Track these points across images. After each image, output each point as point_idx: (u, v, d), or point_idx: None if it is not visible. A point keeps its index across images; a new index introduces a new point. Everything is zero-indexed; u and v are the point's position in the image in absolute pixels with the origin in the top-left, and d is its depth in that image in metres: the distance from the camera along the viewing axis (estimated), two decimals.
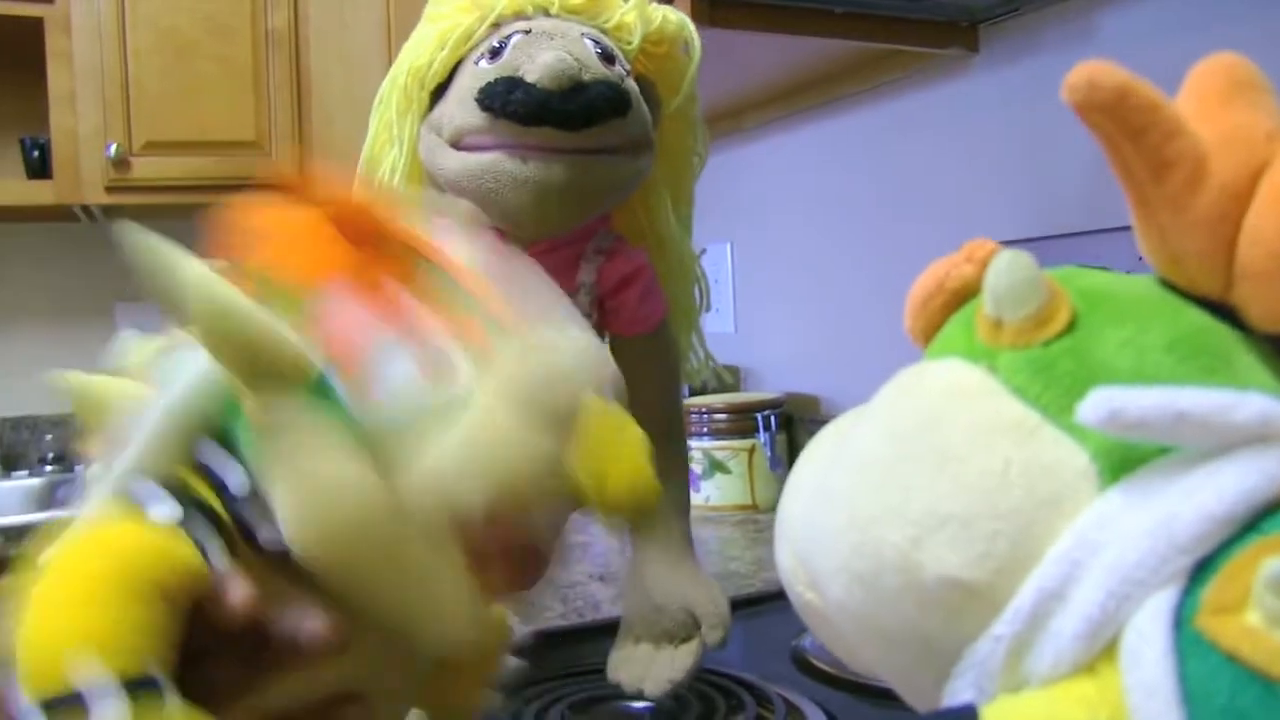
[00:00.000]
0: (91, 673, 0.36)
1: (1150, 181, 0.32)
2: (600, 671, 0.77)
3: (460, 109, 0.67)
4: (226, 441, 0.42)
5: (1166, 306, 0.33)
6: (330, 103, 2.14)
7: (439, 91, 0.71)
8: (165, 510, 0.41)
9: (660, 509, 0.76)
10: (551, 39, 0.67)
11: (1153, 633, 0.27)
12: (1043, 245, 1.04)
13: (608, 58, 0.68)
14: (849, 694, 0.81)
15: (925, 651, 0.32)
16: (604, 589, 1.12)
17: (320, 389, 0.40)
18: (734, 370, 1.73)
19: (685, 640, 0.73)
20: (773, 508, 1.43)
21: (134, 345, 0.48)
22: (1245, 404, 0.27)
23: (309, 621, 0.41)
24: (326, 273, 0.42)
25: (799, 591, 0.38)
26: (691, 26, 0.77)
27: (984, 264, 0.36)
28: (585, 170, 0.66)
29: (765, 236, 1.65)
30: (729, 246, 1.72)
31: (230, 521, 0.42)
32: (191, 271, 0.38)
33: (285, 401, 0.39)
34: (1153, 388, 0.28)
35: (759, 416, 1.46)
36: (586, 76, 0.65)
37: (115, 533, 0.41)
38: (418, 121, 0.73)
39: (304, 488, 0.39)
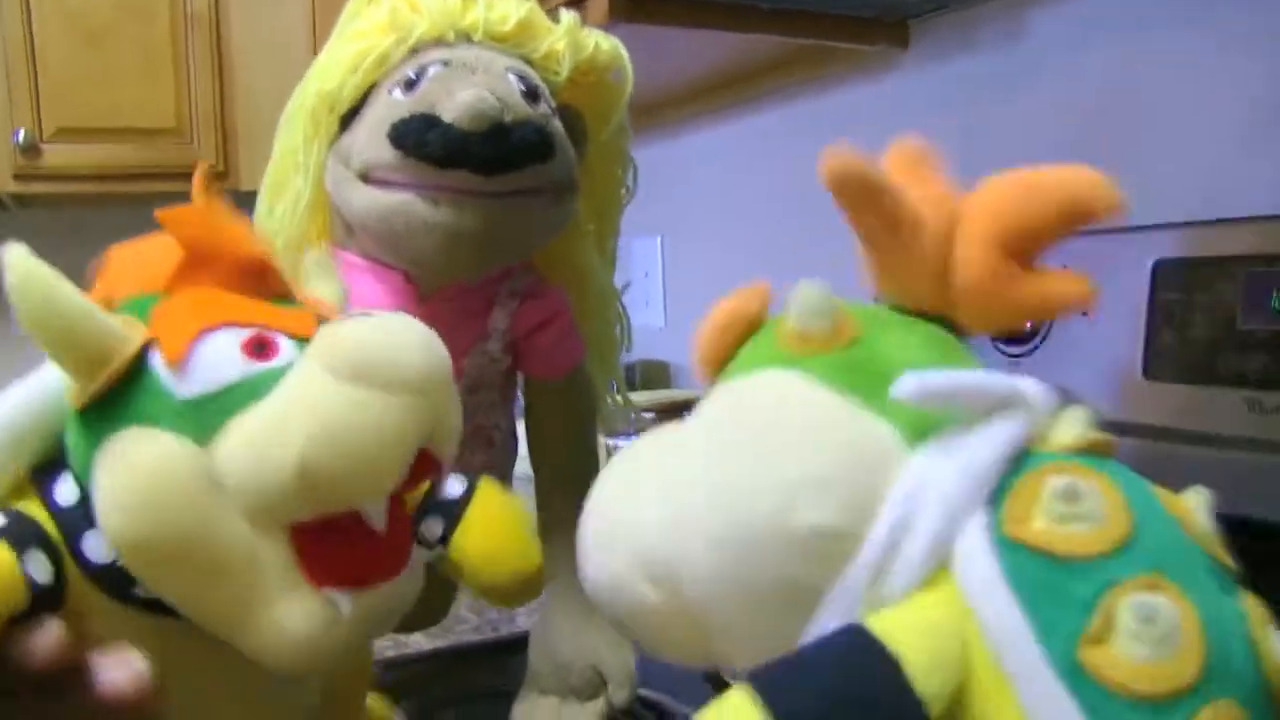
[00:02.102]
0: None
1: (888, 235, 0.44)
2: (510, 696, 0.75)
3: (371, 142, 0.63)
4: (62, 454, 0.42)
5: (909, 320, 0.44)
6: (254, 86, 2.08)
7: (349, 117, 0.67)
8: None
9: (569, 558, 0.72)
10: (473, 73, 0.63)
11: (976, 541, 0.36)
12: None
13: (532, 95, 0.65)
14: None
15: (794, 597, 0.38)
16: None
17: (136, 370, 0.40)
18: (663, 365, 1.70)
19: (591, 698, 0.71)
20: None
21: None
22: (995, 380, 0.39)
23: (114, 671, 0.40)
24: (165, 284, 0.44)
25: (637, 591, 0.42)
26: (624, 53, 0.73)
27: (765, 301, 0.46)
28: (501, 217, 0.62)
29: (695, 231, 1.63)
30: (659, 240, 1.70)
31: (58, 534, 0.41)
32: (14, 254, 0.38)
33: (97, 382, 0.40)
34: (939, 371, 0.38)
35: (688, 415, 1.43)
36: (508, 118, 0.61)
37: None
38: (325, 148, 0.68)
39: (116, 465, 0.39)
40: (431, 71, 0.63)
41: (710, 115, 1.56)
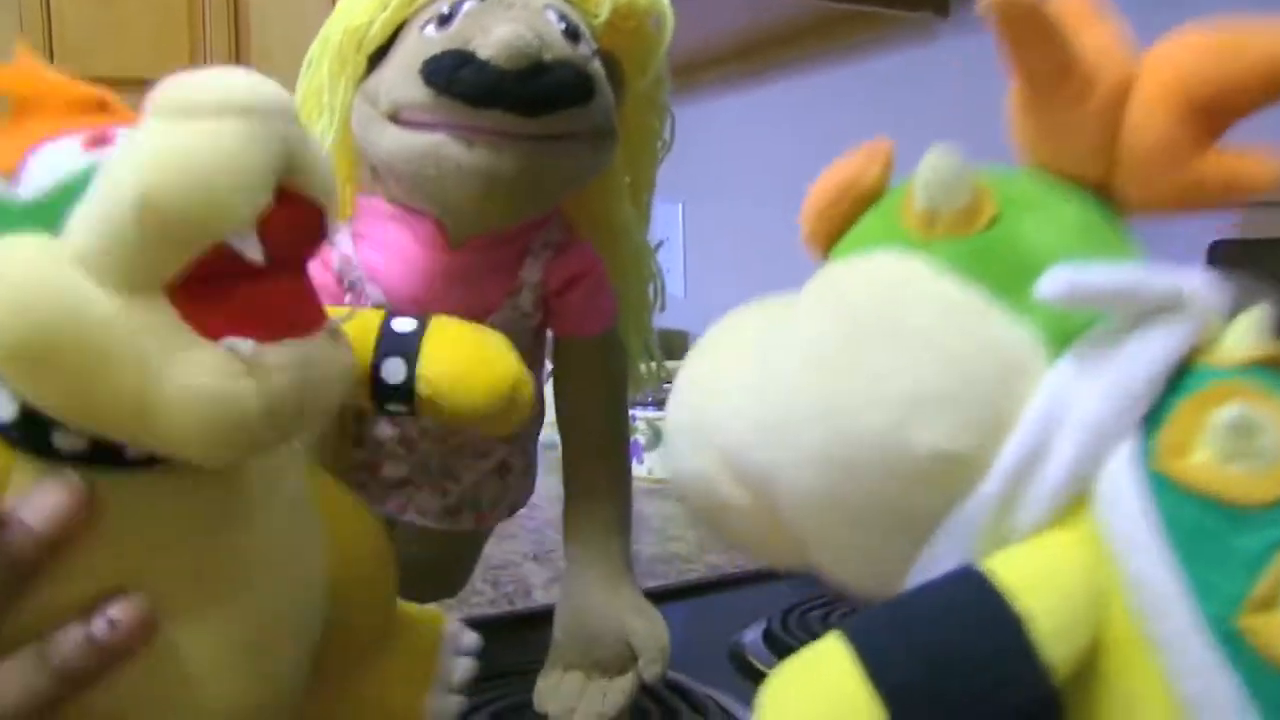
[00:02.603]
0: None
1: (1052, 82, 0.37)
2: (529, 674, 0.72)
3: (401, 80, 0.60)
4: None
5: (1059, 193, 0.38)
6: (269, 47, 2.05)
7: (377, 56, 0.63)
8: None
9: (599, 526, 0.71)
10: (509, 9, 0.59)
11: (1124, 475, 0.31)
12: None
13: (572, 34, 0.61)
14: None
15: (902, 525, 0.34)
16: (538, 570, 1.07)
17: None
18: (682, 335, 1.67)
19: (620, 673, 0.68)
20: None
21: None
22: (1158, 277, 0.33)
23: (39, 503, 0.38)
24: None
25: (725, 491, 0.39)
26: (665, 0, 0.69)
27: (887, 164, 0.41)
28: (538, 160, 0.59)
29: (718, 198, 1.60)
30: (680, 208, 1.67)
31: None
32: None
33: None
34: (1093, 266, 0.33)
35: None
36: (547, 57, 0.57)
37: None
38: (352, 89, 0.65)
39: None
40: (466, 7, 0.60)
41: (739, 80, 1.53)
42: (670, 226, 1.66)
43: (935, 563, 0.34)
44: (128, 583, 0.40)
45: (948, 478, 0.33)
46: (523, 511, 0.79)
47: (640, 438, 1.42)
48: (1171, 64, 0.37)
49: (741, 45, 1.42)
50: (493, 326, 0.66)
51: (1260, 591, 0.29)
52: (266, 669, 0.46)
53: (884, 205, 0.40)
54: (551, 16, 0.61)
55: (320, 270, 0.65)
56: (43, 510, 0.38)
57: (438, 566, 0.82)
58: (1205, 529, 0.30)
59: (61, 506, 0.38)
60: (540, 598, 0.99)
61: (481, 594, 0.99)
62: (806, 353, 0.37)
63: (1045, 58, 0.37)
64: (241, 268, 0.38)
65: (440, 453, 0.70)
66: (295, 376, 0.39)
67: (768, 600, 0.95)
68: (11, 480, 0.39)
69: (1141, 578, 0.30)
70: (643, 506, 1.32)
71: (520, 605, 0.97)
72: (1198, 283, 0.34)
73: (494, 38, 0.56)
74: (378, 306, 0.64)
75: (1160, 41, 0.38)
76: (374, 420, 0.69)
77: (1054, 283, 0.32)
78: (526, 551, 1.12)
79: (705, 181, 1.59)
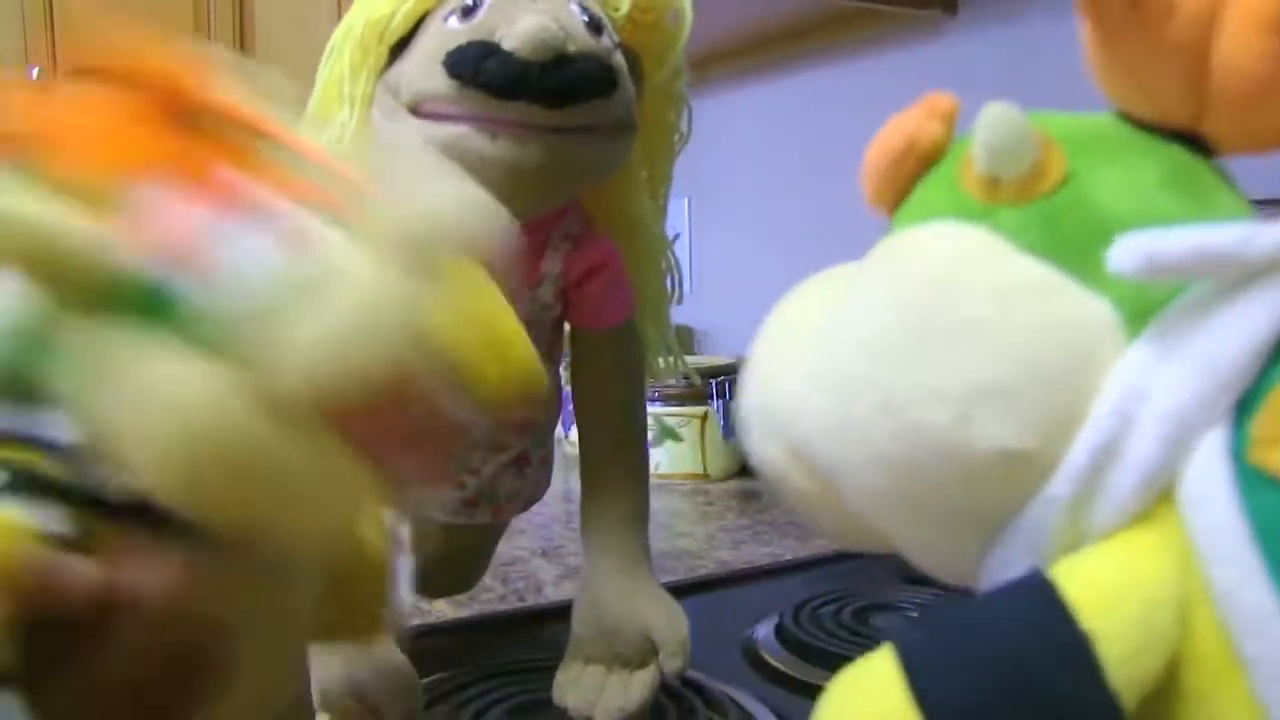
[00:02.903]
0: None
1: (1126, 11, 0.33)
2: (542, 670, 0.72)
3: (423, 71, 0.60)
4: (35, 396, 0.35)
5: (1145, 144, 0.34)
6: (272, 38, 2.05)
7: (398, 47, 0.64)
8: None
9: (617, 519, 0.71)
10: (534, 1, 0.60)
11: (1211, 472, 0.27)
12: None
13: (595, 27, 0.61)
14: (803, 696, 0.77)
15: (969, 524, 0.32)
16: (547, 566, 1.07)
17: (146, 290, 0.33)
18: (688, 331, 1.67)
19: (640, 666, 0.67)
20: (726, 477, 1.41)
21: None
22: (1261, 235, 0.28)
23: (149, 573, 0.35)
24: (138, 161, 0.34)
25: (794, 482, 0.37)
26: None
27: (949, 120, 0.37)
28: (561, 152, 0.59)
29: (726, 194, 1.60)
30: (686, 202, 1.67)
31: (64, 478, 0.35)
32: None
33: (103, 311, 0.33)
34: (1175, 229, 0.28)
35: (713, 383, 1.41)
36: (571, 49, 0.57)
37: None
38: (373, 80, 0.65)
39: (138, 406, 0.33)
40: None
41: (747, 76, 1.53)
42: (677, 221, 1.66)
43: (1006, 565, 0.31)
44: None
45: (1015, 476, 0.31)
46: (531, 507, 0.79)
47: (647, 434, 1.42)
48: None
49: (749, 41, 1.42)
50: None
51: None
52: None
53: (945, 167, 0.36)
54: (575, 9, 0.61)
55: None
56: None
57: (453, 560, 0.82)
58: None
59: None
60: (550, 594, 0.98)
61: (491, 590, 0.98)
62: (863, 343, 0.34)
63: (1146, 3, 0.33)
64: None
65: (459, 446, 0.70)
66: None
67: (779, 595, 0.95)
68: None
69: (1231, 590, 0.27)
70: (650, 502, 1.32)
71: (531, 601, 0.97)
72: None
73: (519, 29, 0.56)
74: None
75: None
76: None
77: (1128, 252, 0.29)
78: (535, 548, 1.12)
79: (713, 177, 1.59)
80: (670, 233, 0.78)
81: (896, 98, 1.28)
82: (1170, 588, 0.28)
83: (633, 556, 0.70)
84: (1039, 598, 0.28)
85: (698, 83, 1.56)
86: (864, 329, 0.34)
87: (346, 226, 0.36)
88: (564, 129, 0.59)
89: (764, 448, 0.38)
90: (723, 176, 1.59)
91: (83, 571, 0.35)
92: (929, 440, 0.31)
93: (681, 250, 1.65)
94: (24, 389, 0.36)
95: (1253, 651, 0.26)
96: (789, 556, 1.09)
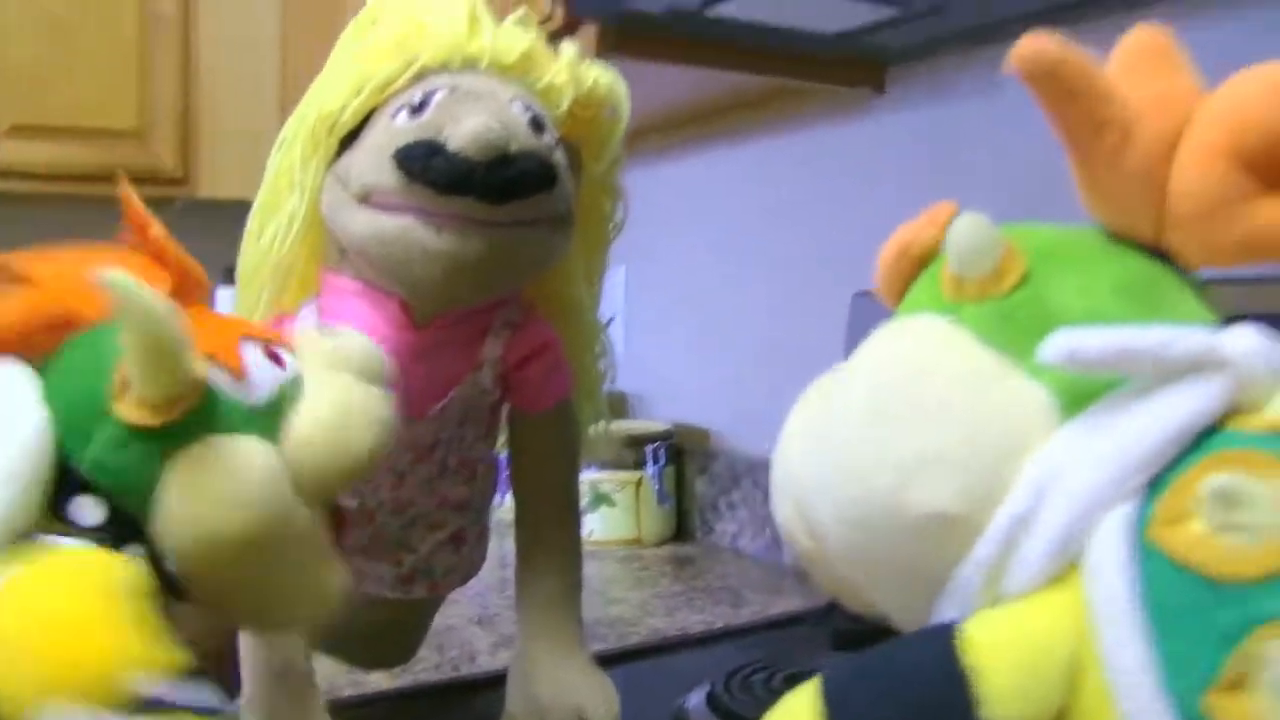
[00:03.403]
0: (156, 678, 0.38)
1: (1088, 140, 0.36)
2: None
3: (372, 165, 0.62)
4: (66, 479, 0.44)
5: (1111, 254, 0.37)
6: (218, 92, 2.04)
7: (348, 139, 0.66)
8: (73, 542, 0.42)
9: (551, 595, 0.73)
10: (479, 100, 0.62)
11: (1111, 544, 0.30)
12: None
13: (537, 125, 0.64)
14: None
15: (916, 582, 0.35)
16: (482, 635, 1.08)
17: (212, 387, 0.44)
18: (621, 396, 1.70)
19: None
20: (660, 543, 1.43)
21: None
22: (1184, 338, 0.31)
23: None
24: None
25: (799, 540, 0.41)
26: (622, 88, 0.73)
27: (945, 226, 0.39)
28: (502, 245, 0.62)
29: (661, 262, 1.63)
30: (623, 269, 1.70)
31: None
32: (119, 279, 0.41)
33: (189, 401, 0.43)
34: (1104, 328, 0.32)
35: (647, 449, 1.43)
36: (514, 148, 0.60)
37: (76, 559, 0.42)
38: (323, 170, 0.67)
39: (217, 469, 0.43)
40: (437, 98, 0.63)
41: (681, 148, 1.56)
42: (613, 289, 1.68)
43: (945, 619, 0.34)
44: None
45: (947, 539, 0.34)
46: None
47: (580, 499, 1.43)
48: (1223, 110, 0.35)
49: (684, 115, 1.45)
50: (454, 401, 0.69)
51: (1230, 670, 0.28)
52: None
53: (934, 268, 0.40)
54: (518, 107, 0.64)
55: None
56: None
57: (390, 634, 0.83)
58: (1186, 602, 0.29)
59: None
60: (485, 663, 0.99)
61: (426, 659, 0.98)
62: (839, 417, 0.38)
63: (1076, 113, 0.36)
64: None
65: (397, 523, 0.72)
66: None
67: (711, 663, 0.97)
68: None
69: (1112, 649, 0.30)
70: (584, 568, 1.33)
71: (465, 671, 0.97)
72: (1248, 342, 0.32)
73: (464, 128, 0.59)
74: None
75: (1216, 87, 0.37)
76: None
77: (1054, 346, 0.32)
78: (470, 616, 1.13)
79: (648, 246, 1.62)
80: (605, 300, 0.81)
81: (826, 172, 1.33)
82: (1060, 642, 0.31)
83: (565, 633, 0.72)
84: (941, 639, 0.32)
85: (634, 154, 1.60)
86: (841, 406, 0.38)
87: (293, 353, 0.50)
88: (505, 223, 0.61)
89: (779, 506, 0.42)
90: (658, 245, 1.62)
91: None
92: (878, 502, 0.35)
93: (617, 317, 1.68)
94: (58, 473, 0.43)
95: (1126, 708, 0.29)
96: (721, 624, 1.11)
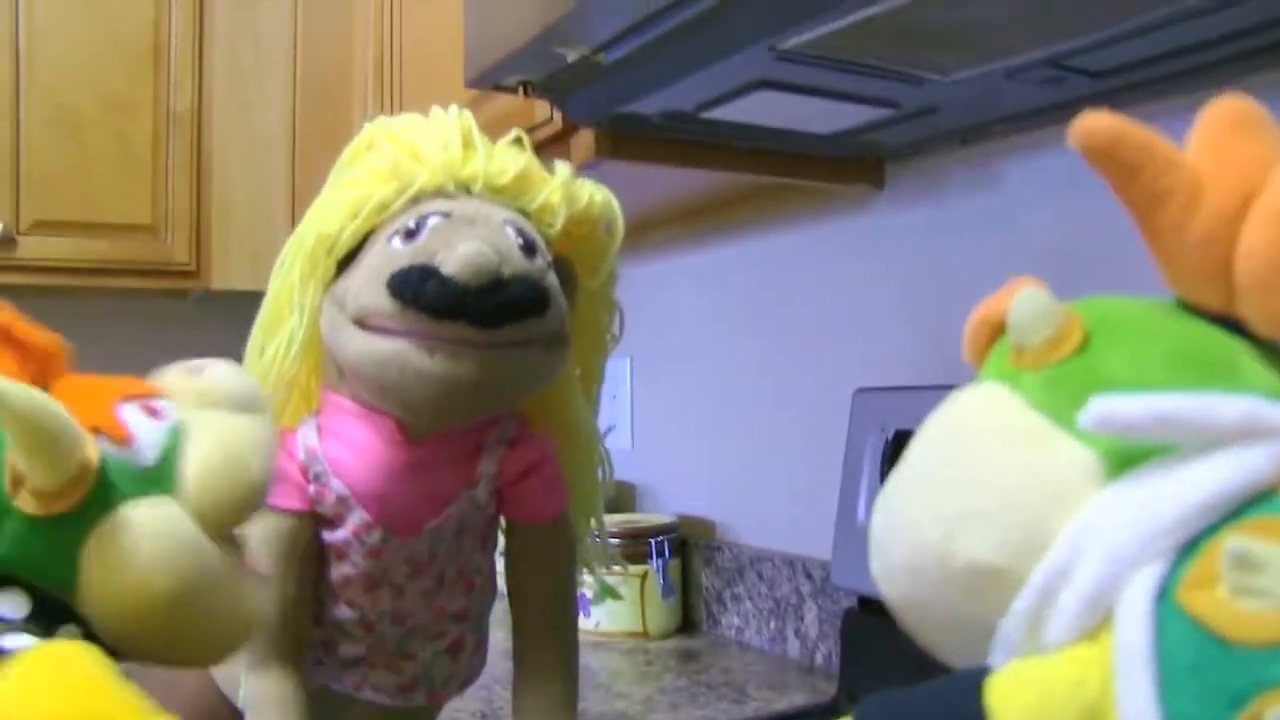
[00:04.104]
0: None
1: (1151, 211, 0.37)
2: None
3: (368, 288, 0.64)
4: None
5: (1172, 323, 0.38)
6: (229, 189, 2.10)
7: (345, 261, 0.68)
8: (26, 640, 0.43)
9: (546, 704, 0.73)
10: (472, 225, 0.64)
11: (1136, 602, 0.31)
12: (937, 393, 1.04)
13: (529, 249, 0.65)
14: None
15: (968, 632, 0.37)
16: None
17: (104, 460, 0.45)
18: (629, 488, 1.70)
19: None
20: (664, 636, 1.43)
21: None
22: (1229, 405, 0.32)
23: None
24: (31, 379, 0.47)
25: (885, 591, 0.42)
26: (616, 205, 0.74)
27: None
28: (495, 367, 0.63)
29: (666, 354, 1.64)
30: (629, 361, 1.71)
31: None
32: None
33: (89, 480, 0.44)
34: (1142, 394, 0.33)
35: (653, 542, 1.43)
36: (506, 272, 0.62)
37: (42, 658, 0.42)
38: (321, 291, 0.69)
39: (128, 540, 0.44)
40: (431, 222, 0.64)
41: (685, 241, 1.58)
42: (618, 381, 1.71)
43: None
44: None
45: (991, 590, 0.36)
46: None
47: (587, 592, 1.44)
48: None
49: (687, 208, 1.47)
50: (450, 516, 0.70)
51: None
52: None
53: (1005, 338, 0.41)
54: (510, 232, 0.65)
55: (286, 461, 0.69)
56: None
57: None
58: (1200, 663, 0.30)
59: None
60: None
61: None
62: (903, 474, 0.41)
63: (1139, 186, 0.37)
64: None
65: (397, 634, 0.73)
66: None
67: None
68: None
69: (1125, 700, 0.31)
70: (590, 660, 1.33)
71: None
72: None
73: (457, 254, 0.61)
74: (341, 498, 0.68)
75: None
76: (333, 601, 0.71)
77: (1092, 411, 0.33)
78: (475, 710, 1.13)
79: (652, 338, 1.64)
80: (610, 393, 0.82)
81: (827, 265, 1.34)
82: (1079, 692, 0.32)
83: None
84: (969, 682, 0.34)
85: (639, 249, 1.63)
86: (906, 464, 0.41)
87: (173, 401, 0.51)
88: (499, 345, 0.62)
89: (872, 564, 0.43)
90: (662, 338, 1.64)
91: None
92: (925, 553, 0.37)
93: (623, 408, 1.70)
94: None
95: None
96: (724, 719, 1.12)
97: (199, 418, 0.50)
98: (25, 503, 0.43)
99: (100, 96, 2.03)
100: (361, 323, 0.64)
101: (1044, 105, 0.97)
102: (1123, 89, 0.89)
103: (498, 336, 0.62)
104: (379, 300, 0.63)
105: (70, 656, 0.42)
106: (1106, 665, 0.32)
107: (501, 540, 0.77)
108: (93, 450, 0.45)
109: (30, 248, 1.97)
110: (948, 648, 0.40)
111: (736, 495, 1.49)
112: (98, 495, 0.44)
